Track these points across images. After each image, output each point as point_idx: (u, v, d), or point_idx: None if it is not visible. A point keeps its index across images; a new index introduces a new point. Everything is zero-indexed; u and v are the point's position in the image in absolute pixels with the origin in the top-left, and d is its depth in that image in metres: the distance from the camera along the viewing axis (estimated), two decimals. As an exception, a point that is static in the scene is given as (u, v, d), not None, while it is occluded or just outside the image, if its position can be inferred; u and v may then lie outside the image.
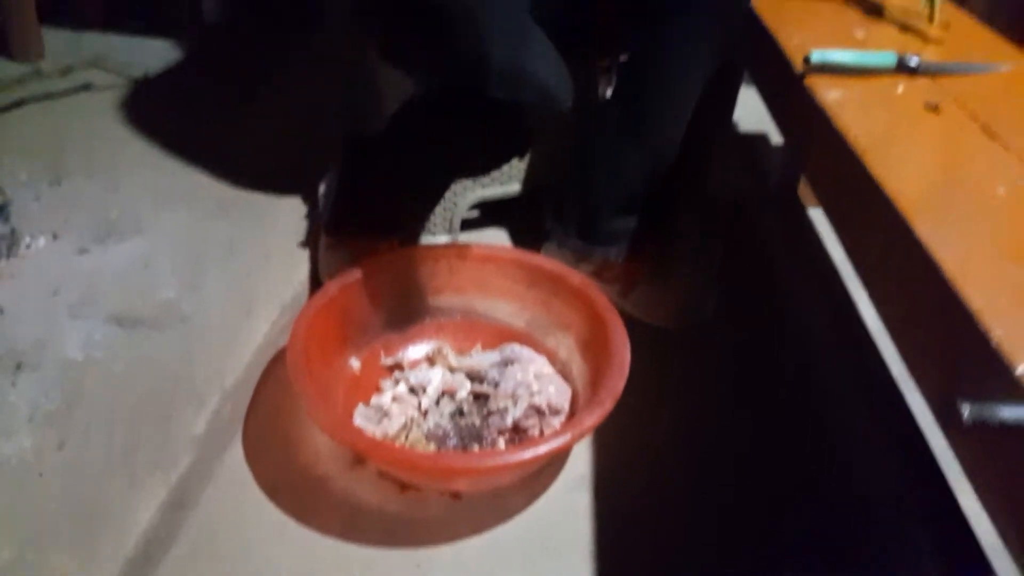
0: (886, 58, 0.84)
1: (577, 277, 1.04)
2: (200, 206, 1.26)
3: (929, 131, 0.74)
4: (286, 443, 0.96)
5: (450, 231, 1.32)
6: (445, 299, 1.10)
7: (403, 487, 0.89)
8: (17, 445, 0.85)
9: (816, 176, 0.79)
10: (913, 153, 0.70)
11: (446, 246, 1.19)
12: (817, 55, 0.84)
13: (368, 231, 1.11)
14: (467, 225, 1.34)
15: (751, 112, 1.29)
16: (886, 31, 1.00)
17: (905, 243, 0.55)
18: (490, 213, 1.35)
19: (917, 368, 0.55)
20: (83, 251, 1.16)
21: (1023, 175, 0.65)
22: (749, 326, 1.15)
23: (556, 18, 1.10)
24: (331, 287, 1.00)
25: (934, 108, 0.77)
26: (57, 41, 1.98)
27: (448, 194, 1.28)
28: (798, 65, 0.86)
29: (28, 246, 1.16)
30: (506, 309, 1.09)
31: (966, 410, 0.37)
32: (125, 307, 1.04)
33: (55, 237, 1.18)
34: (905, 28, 1.01)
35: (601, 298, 0.99)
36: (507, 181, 1.30)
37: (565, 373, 1.01)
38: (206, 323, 1.03)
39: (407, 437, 0.93)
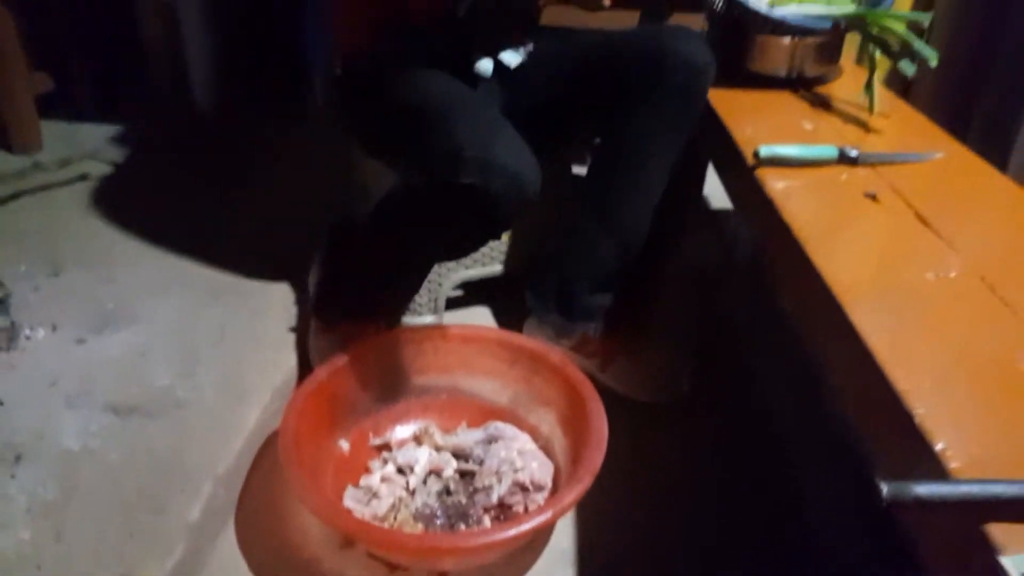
0: (828, 151, 0.92)
1: (556, 355, 1.09)
2: (193, 294, 1.31)
3: (867, 219, 0.81)
4: (278, 526, 0.98)
5: (435, 311, 1.37)
6: (431, 378, 1.15)
7: (392, 567, 0.92)
8: (15, 537, 0.87)
9: (769, 259, 0.85)
10: (851, 241, 0.77)
11: (431, 327, 1.24)
12: (765, 150, 0.91)
13: (355, 316, 1.16)
14: (451, 304, 1.39)
15: (717, 188, 1.36)
16: (832, 122, 1.09)
17: (842, 327, 0.61)
18: (473, 292, 1.41)
19: (866, 442, 0.60)
20: (81, 341, 1.20)
21: (952, 262, 0.71)
22: (721, 398, 1.19)
23: (529, 109, 1.19)
24: (321, 372, 1.04)
25: (873, 197, 0.85)
26: (55, 133, 2.06)
27: (432, 275, 1.34)
28: (749, 158, 0.94)
29: (28, 337, 1.20)
30: (490, 387, 1.13)
31: (884, 488, 0.42)
32: (121, 396, 1.08)
33: (54, 328, 1.23)
34: (849, 118, 1.10)
35: (578, 375, 1.04)
36: (489, 262, 1.37)
37: (547, 449, 1.05)
38: (200, 409, 1.07)
39: (396, 517, 0.96)
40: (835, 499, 0.95)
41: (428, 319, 1.37)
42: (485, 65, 1.15)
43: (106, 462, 0.98)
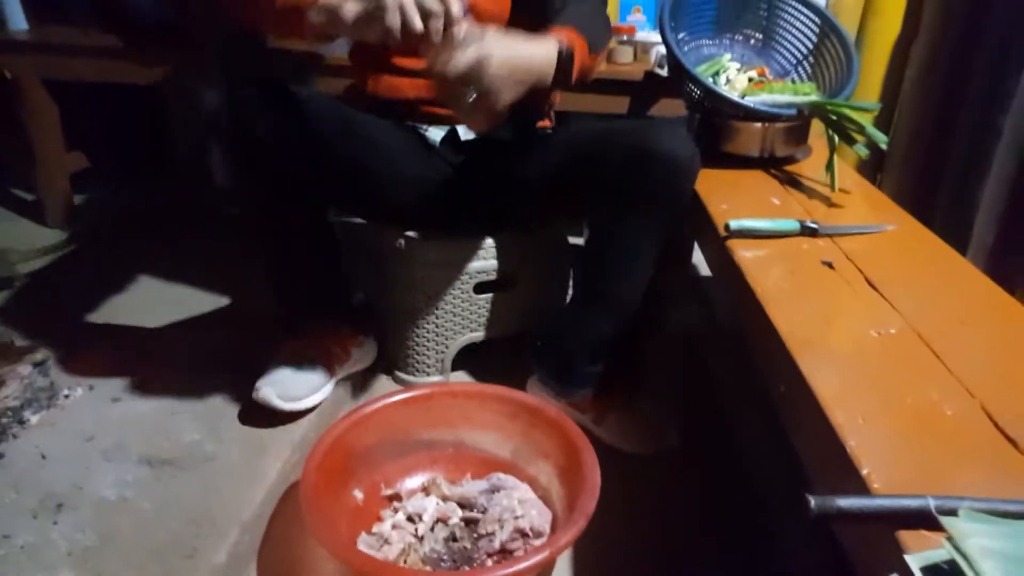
0: (790, 224, 1.04)
1: (553, 410, 1.18)
2: (218, 357, 1.42)
3: (822, 284, 0.92)
4: (297, 569, 1.06)
5: (442, 371, 1.48)
6: (438, 432, 1.23)
7: (402, 606, 0.99)
8: (59, 579, 0.96)
9: (742, 320, 0.96)
10: (807, 303, 0.87)
11: (438, 384, 1.34)
12: (735, 223, 1.03)
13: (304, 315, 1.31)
14: (457, 365, 1.49)
15: (699, 252, 1.48)
16: (798, 197, 1.21)
17: (794, 375, 0.71)
18: (477, 353, 1.51)
19: (812, 475, 0.69)
20: (116, 400, 1.30)
21: (894, 321, 0.82)
22: (706, 449, 1.28)
23: (516, 188, 1.31)
24: (337, 427, 1.13)
25: (829, 265, 0.96)
26: (88, 206, 2.21)
27: (439, 338, 1.45)
28: (722, 230, 1.06)
29: (66, 396, 1.31)
30: (492, 440, 1.22)
31: (812, 502, 0.51)
32: (153, 450, 1.18)
33: (91, 388, 1.33)
34: (814, 194, 1.22)
35: (574, 428, 1.13)
36: (491, 327, 1.48)
37: (546, 498, 1.13)
38: (226, 462, 1.16)
39: (406, 561, 1.04)
40: (804, 534, 1.02)
41: (436, 378, 1.47)
42: (435, 133, 1.29)
43: (140, 511, 1.07)
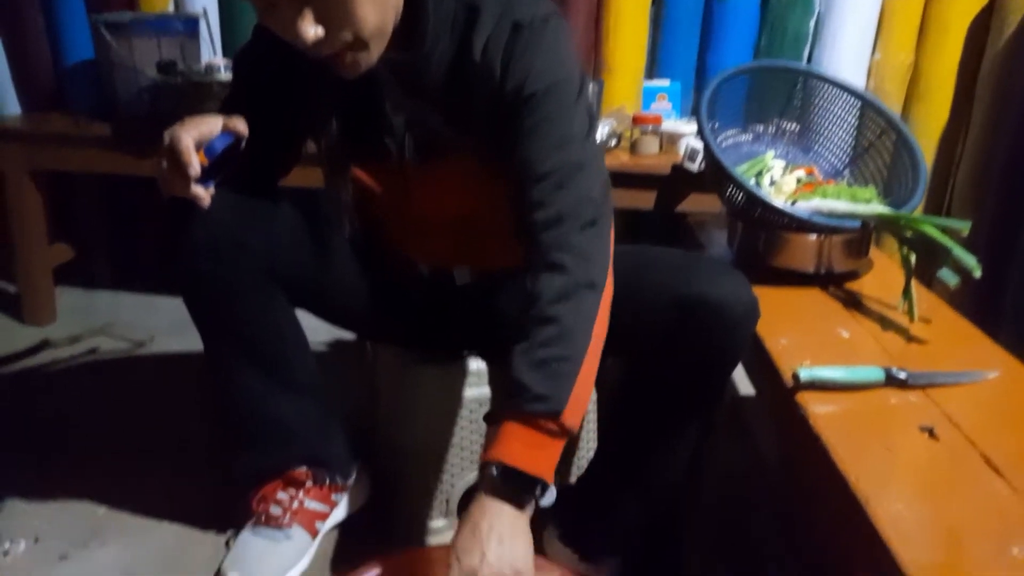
0: (874, 373, 0.85)
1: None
2: (190, 503, 1.22)
3: (929, 466, 0.72)
4: None
5: (446, 515, 1.27)
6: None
7: None
8: None
9: (812, 505, 0.76)
10: (918, 501, 0.67)
11: (441, 549, 1.14)
12: (805, 372, 0.84)
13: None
14: (464, 506, 1.29)
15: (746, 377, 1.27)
16: (870, 327, 1.02)
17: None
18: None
19: None
20: (63, 557, 1.11)
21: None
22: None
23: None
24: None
25: (930, 432, 0.77)
26: (69, 303, 2.05)
27: (445, 476, 1.25)
28: (787, 377, 0.87)
29: (6, 553, 1.12)
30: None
31: None
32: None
33: (36, 540, 1.14)
34: (887, 323, 1.03)
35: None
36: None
37: None
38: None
39: None
40: None
41: (440, 523, 1.27)
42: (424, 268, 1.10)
43: None
